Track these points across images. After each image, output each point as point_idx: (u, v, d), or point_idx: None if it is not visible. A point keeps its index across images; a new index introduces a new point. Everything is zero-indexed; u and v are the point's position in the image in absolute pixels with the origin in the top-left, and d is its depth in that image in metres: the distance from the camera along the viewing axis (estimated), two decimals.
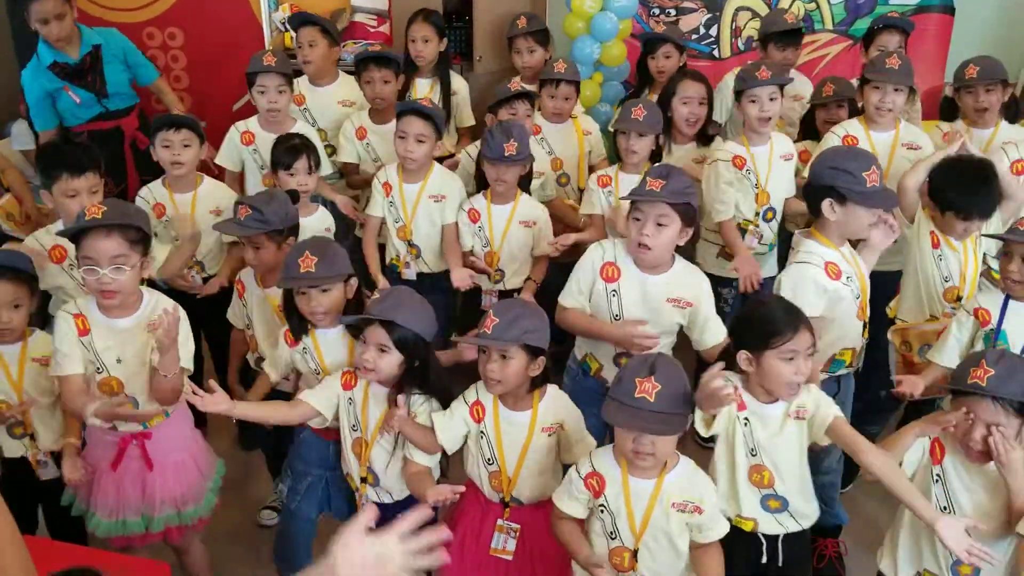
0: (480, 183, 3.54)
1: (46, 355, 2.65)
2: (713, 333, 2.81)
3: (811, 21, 5.16)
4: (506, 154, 3.29)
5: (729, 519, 2.44)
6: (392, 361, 2.45)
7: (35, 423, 2.72)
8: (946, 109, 3.95)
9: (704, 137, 3.86)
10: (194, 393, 2.42)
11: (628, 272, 2.80)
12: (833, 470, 3.06)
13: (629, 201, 2.74)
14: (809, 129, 4.05)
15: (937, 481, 2.34)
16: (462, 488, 2.41)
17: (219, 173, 3.85)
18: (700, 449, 3.80)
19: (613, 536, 2.26)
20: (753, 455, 2.41)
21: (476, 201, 3.53)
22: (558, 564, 2.51)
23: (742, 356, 2.37)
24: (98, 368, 2.55)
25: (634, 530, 2.23)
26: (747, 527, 2.46)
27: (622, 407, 2.13)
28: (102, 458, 2.66)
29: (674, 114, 3.79)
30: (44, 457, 2.73)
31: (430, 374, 2.51)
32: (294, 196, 3.26)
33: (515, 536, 2.52)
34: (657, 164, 3.12)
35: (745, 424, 2.39)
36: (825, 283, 2.72)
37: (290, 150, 3.36)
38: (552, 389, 2.54)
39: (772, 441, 2.40)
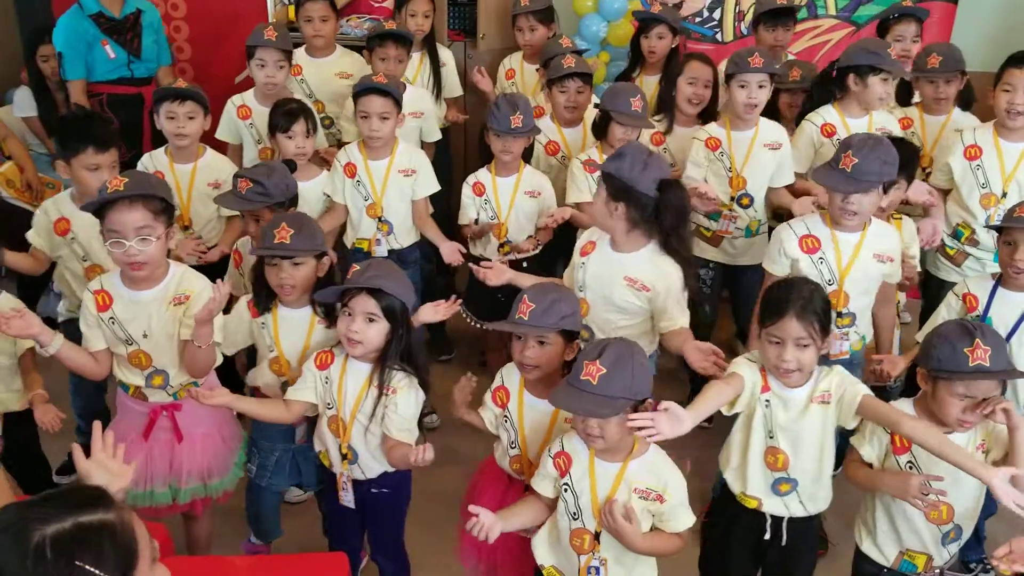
0: (484, 155, 3.56)
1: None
2: (669, 319, 2.78)
3: (814, 7, 5.17)
4: (512, 126, 3.35)
5: (735, 494, 2.49)
6: (380, 330, 2.45)
7: None
8: (902, 94, 3.97)
9: (708, 119, 3.86)
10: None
11: (601, 247, 2.87)
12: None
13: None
14: (770, 112, 3.93)
15: (910, 467, 2.37)
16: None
17: (219, 145, 3.86)
18: (699, 430, 3.84)
19: (575, 516, 2.27)
20: (771, 438, 2.42)
21: (480, 175, 3.55)
22: None
23: (754, 330, 2.42)
24: (127, 340, 2.58)
25: (596, 511, 2.24)
26: (751, 504, 2.49)
27: (567, 388, 2.17)
28: (132, 428, 2.68)
29: (678, 93, 3.80)
30: None
31: (410, 346, 2.52)
32: (291, 166, 3.27)
33: None
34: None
35: (766, 406, 2.41)
36: (792, 251, 2.90)
37: (288, 113, 3.37)
38: None
39: (795, 424, 2.40)
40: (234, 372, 3.19)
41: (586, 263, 2.88)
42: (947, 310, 2.90)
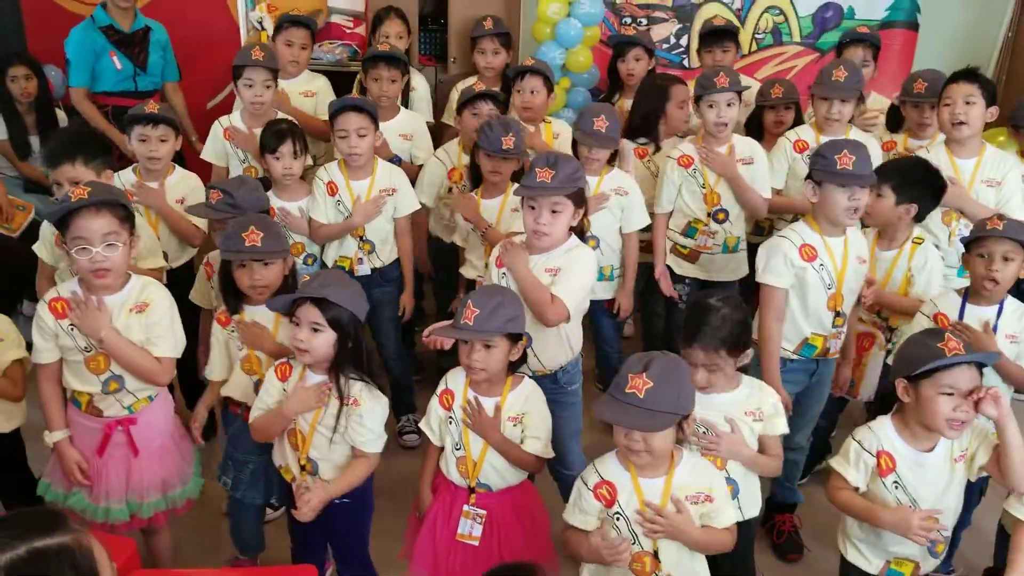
0: (474, 177, 3.51)
1: None
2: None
3: (779, 34, 5.29)
4: (504, 147, 3.31)
5: None
6: (326, 340, 2.43)
7: None
8: (891, 119, 4.05)
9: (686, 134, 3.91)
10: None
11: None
12: (801, 447, 3.17)
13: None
14: (754, 129, 4.09)
15: (896, 487, 2.35)
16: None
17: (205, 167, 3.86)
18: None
19: (633, 542, 2.21)
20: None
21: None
22: (525, 550, 2.54)
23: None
24: (86, 348, 2.55)
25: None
26: None
27: (612, 401, 2.14)
28: (86, 445, 2.65)
29: (669, 119, 3.83)
30: None
31: (363, 355, 2.50)
32: (265, 184, 3.28)
33: (481, 522, 2.53)
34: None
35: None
36: (795, 259, 2.91)
37: (277, 134, 3.39)
38: (529, 383, 2.56)
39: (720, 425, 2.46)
40: (196, 377, 3.20)
41: (507, 273, 2.81)
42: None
